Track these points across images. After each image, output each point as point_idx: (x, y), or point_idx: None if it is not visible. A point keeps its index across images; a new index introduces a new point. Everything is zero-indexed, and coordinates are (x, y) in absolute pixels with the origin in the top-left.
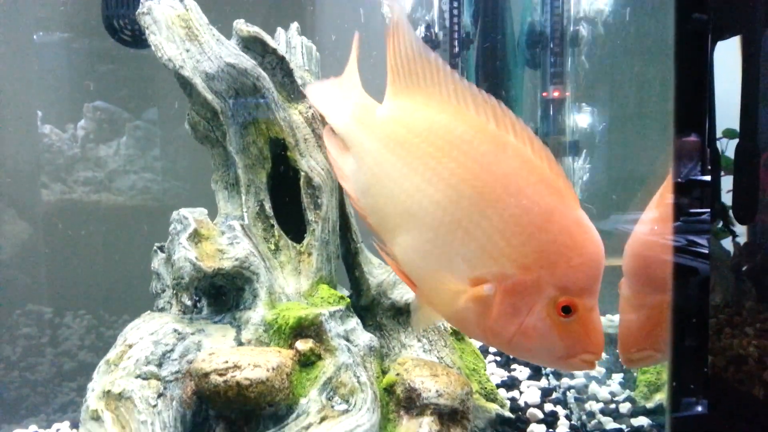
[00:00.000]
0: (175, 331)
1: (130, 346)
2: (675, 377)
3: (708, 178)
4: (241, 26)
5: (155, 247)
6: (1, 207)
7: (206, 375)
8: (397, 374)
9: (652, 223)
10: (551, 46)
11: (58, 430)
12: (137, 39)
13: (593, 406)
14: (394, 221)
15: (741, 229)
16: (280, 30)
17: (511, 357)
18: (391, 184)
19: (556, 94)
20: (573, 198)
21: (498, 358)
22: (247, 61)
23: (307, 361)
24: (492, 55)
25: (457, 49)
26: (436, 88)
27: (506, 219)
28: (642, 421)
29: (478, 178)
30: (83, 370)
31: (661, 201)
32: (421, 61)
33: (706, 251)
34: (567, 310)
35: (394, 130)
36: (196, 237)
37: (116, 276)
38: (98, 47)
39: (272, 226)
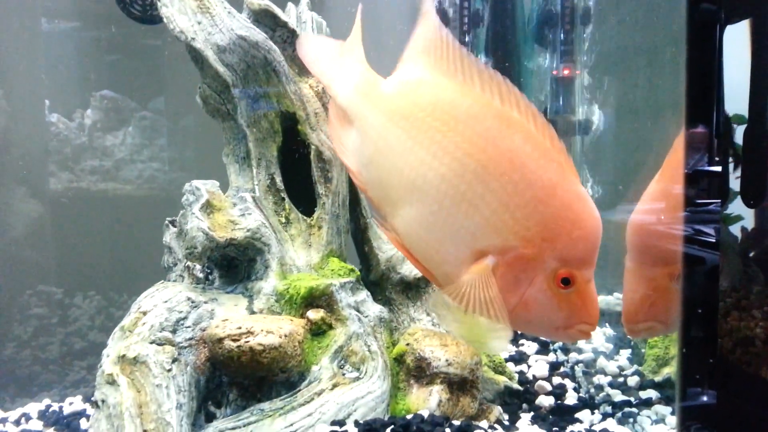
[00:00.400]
0: (189, 299)
1: (145, 313)
2: (684, 360)
3: (714, 165)
4: (253, 0)
5: (167, 221)
6: (12, 188)
7: (220, 340)
8: (407, 344)
9: (653, 199)
10: (561, 23)
11: (71, 403)
12: (147, 13)
13: (601, 379)
14: (397, 194)
15: (747, 214)
16: (290, 5)
17: (519, 332)
18: (395, 158)
19: (566, 72)
20: (574, 173)
21: None
22: (258, 34)
23: (318, 330)
24: (502, 32)
25: (467, 27)
26: (444, 65)
27: (510, 192)
28: (650, 394)
29: (483, 152)
30: (93, 350)
31: (662, 177)
32: (440, 43)
33: (715, 238)
34: (566, 281)
35: (400, 105)
36: (208, 208)
37: (125, 259)
38: (105, 37)
39: (283, 199)
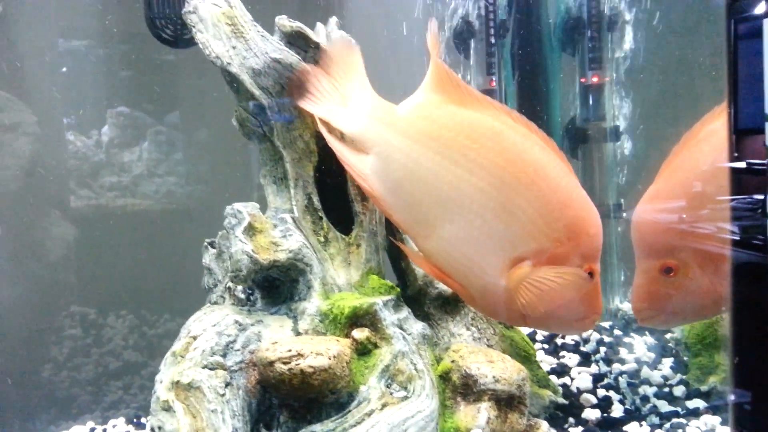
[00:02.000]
0: (236, 322)
1: (195, 338)
2: (736, 364)
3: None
4: (284, 22)
5: (206, 243)
6: (46, 210)
7: (271, 363)
8: (453, 361)
9: (651, 196)
10: (588, 30)
11: (114, 425)
12: (179, 38)
13: (647, 390)
14: (433, 214)
15: None
16: (319, 24)
17: (560, 344)
18: (429, 178)
19: (594, 79)
20: (575, 177)
21: (546, 346)
22: (292, 56)
23: (364, 350)
24: (528, 42)
25: (493, 38)
26: (454, 94)
27: (541, 199)
28: (697, 403)
29: (514, 165)
30: (128, 370)
31: (661, 176)
32: (449, 77)
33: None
34: (590, 274)
35: (425, 127)
36: (250, 230)
37: (152, 276)
38: (120, 53)
39: (321, 218)
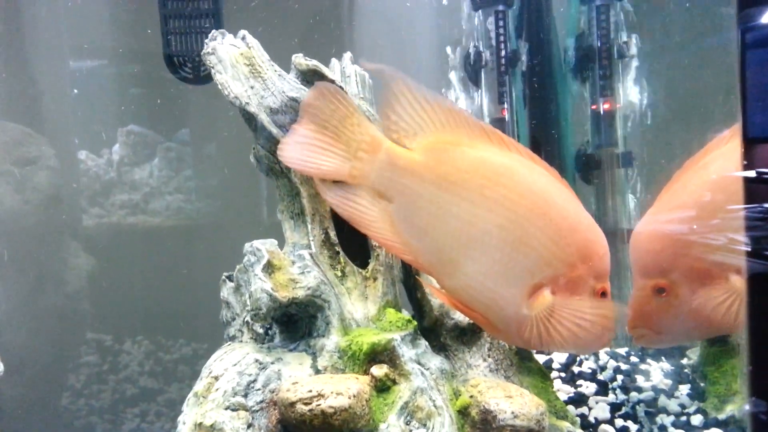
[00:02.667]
0: (257, 361)
1: (217, 378)
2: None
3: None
4: (300, 60)
5: (224, 277)
6: (65, 242)
7: (292, 404)
8: (471, 396)
9: (648, 217)
10: (599, 58)
11: None
12: (197, 75)
13: (665, 419)
14: (457, 253)
15: None
16: (334, 60)
17: (576, 372)
18: (453, 220)
19: (606, 106)
20: (579, 202)
21: (563, 375)
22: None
23: (383, 387)
24: (539, 70)
25: (504, 67)
26: (459, 133)
27: (553, 228)
28: None
29: (526, 199)
30: (145, 397)
31: (660, 199)
32: (452, 116)
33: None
34: (603, 294)
35: (443, 170)
36: (269, 268)
37: (167, 301)
38: (129, 72)
39: (337, 253)
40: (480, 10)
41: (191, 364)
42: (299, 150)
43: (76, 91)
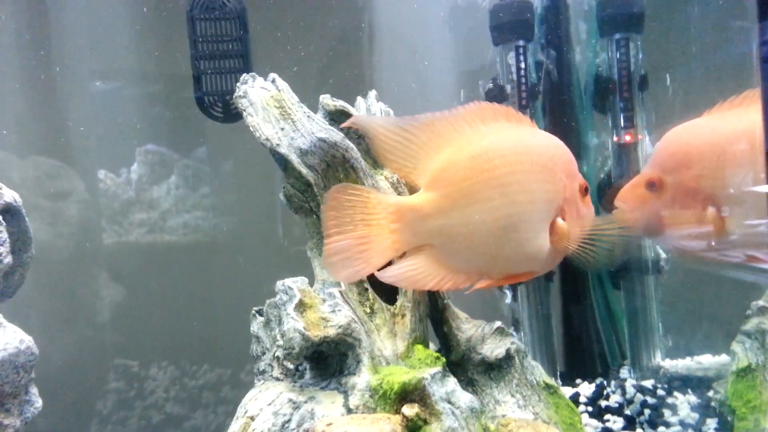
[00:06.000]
0: (290, 400)
1: (252, 418)
2: None
3: None
4: (327, 101)
5: (253, 311)
6: (95, 272)
7: None
8: None
9: (684, 125)
10: (620, 90)
11: None
12: (228, 114)
13: None
14: (497, 246)
15: None
16: (359, 99)
17: (604, 406)
18: (482, 225)
19: (628, 137)
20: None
21: (590, 409)
22: (336, 134)
23: (414, 426)
24: (560, 103)
25: (525, 101)
26: (438, 138)
27: (547, 173)
28: None
29: (519, 165)
30: (171, 423)
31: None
32: (413, 129)
33: None
34: (586, 189)
35: (454, 190)
36: (301, 306)
37: (189, 323)
38: (147, 92)
39: (366, 289)
40: (500, 45)
41: (215, 390)
42: (347, 264)
43: (98, 112)
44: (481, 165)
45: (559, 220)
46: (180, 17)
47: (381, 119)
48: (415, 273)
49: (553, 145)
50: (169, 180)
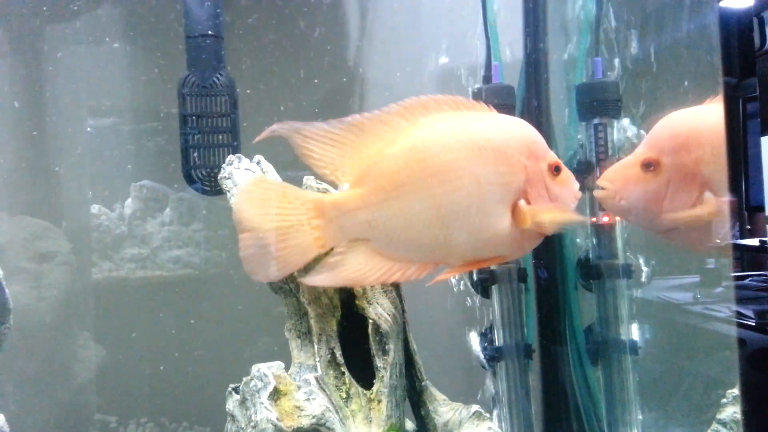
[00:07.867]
0: None
1: None
2: None
3: None
4: (311, 183)
5: (230, 388)
6: (75, 333)
7: None
8: None
9: (684, 110)
10: (598, 171)
11: None
12: (215, 188)
13: None
14: (445, 233)
15: None
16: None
17: None
18: (422, 215)
19: (605, 219)
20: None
21: None
22: None
23: None
24: None
25: None
26: (363, 137)
27: (497, 155)
28: None
29: (460, 149)
30: None
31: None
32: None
33: None
34: (557, 168)
35: (385, 183)
36: (275, 394)
37: (169, 378)
38: (142, 128)
39: (343, 373)
40: None
41: None
42: (264, 262)
43: (93, 149)
44: (416, 155)
45: (521, 202)
46: (177, 48)
47: (303, 123)
48: (351, 269)
49: (509, 128)
50: (163, 213)
